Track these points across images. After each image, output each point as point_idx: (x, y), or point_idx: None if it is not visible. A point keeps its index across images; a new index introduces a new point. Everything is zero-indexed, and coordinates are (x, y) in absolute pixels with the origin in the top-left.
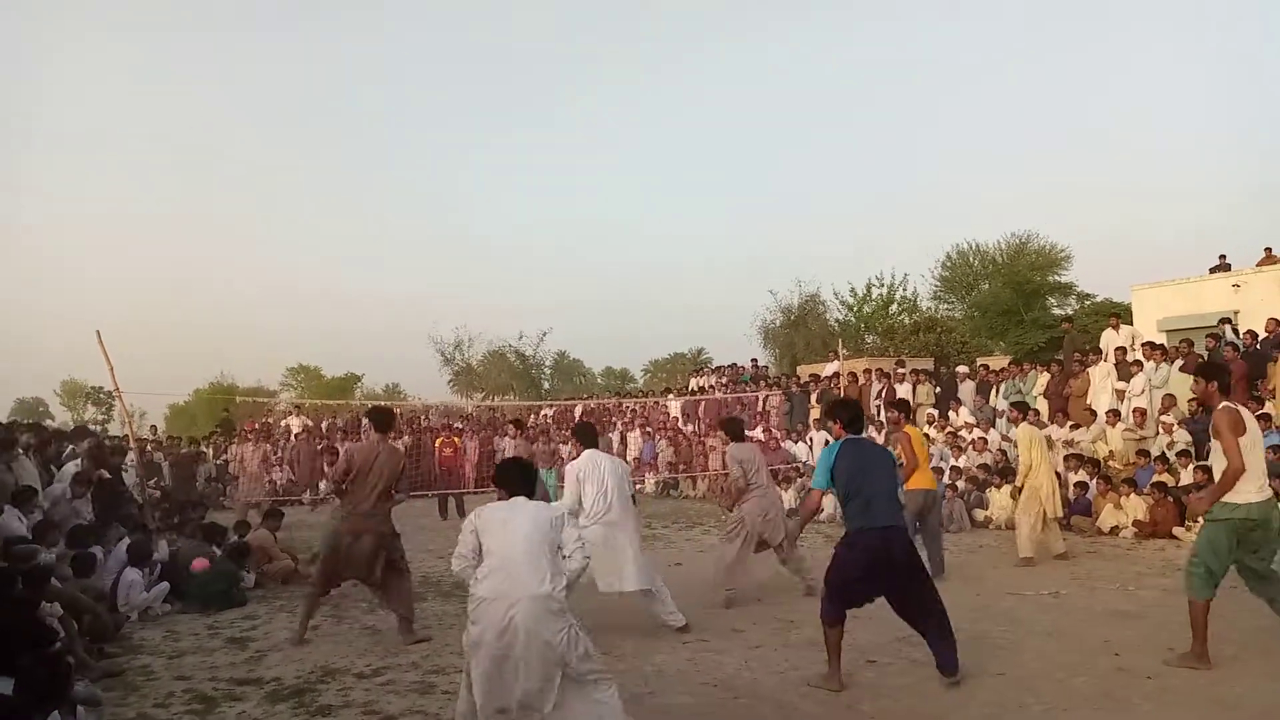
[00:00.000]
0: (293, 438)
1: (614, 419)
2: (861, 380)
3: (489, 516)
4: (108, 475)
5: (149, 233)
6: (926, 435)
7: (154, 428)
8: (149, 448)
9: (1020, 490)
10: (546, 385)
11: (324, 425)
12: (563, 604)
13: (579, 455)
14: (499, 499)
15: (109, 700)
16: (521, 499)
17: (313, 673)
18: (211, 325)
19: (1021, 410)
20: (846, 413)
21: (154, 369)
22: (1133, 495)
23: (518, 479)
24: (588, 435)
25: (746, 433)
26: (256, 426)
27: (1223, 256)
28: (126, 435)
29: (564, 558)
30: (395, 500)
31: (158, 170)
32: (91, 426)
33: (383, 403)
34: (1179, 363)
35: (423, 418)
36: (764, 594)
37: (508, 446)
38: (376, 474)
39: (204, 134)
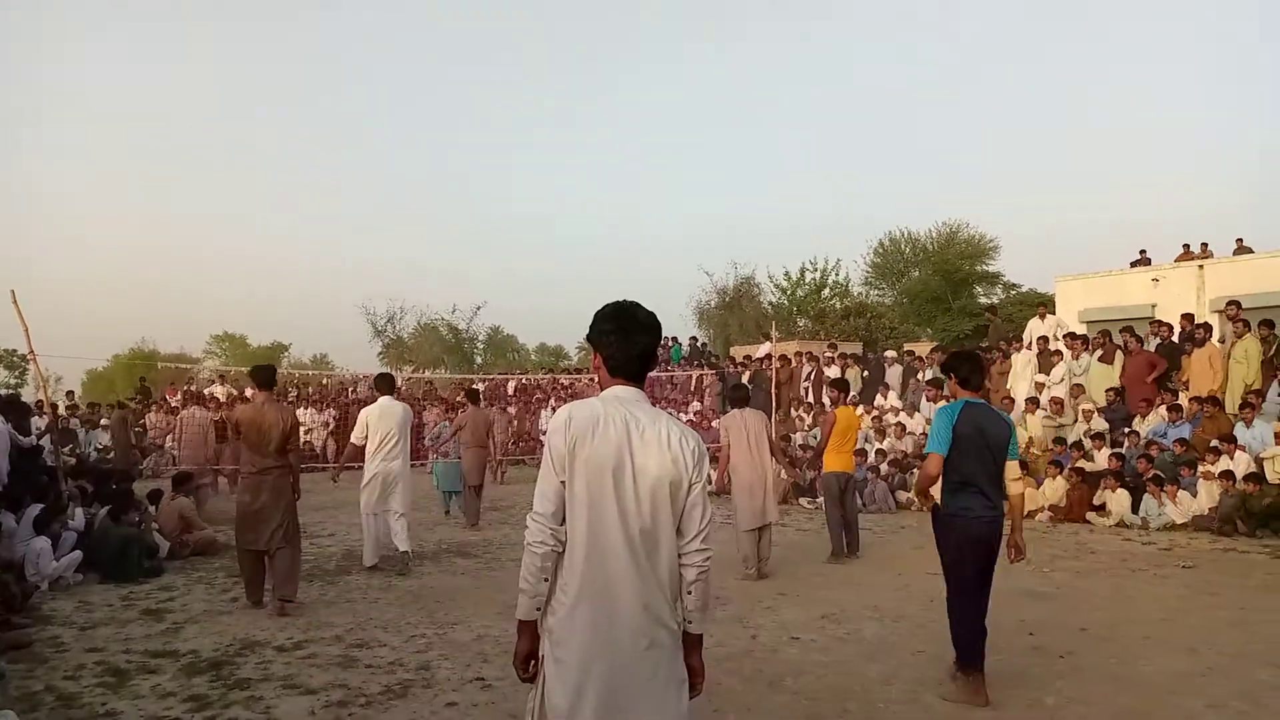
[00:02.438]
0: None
1: (548, 395)
2: (793, 363)
3: None
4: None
5: (72, 191)
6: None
7: (70, 393)
8: (64, 413)
9: None
10: (479, 360)
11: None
12: None
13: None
14: None
15: (14, 674)
16: None
17: (231, 645)
18: (134, 288)
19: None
20: (965, 366)
21: (72, 332)
22: (1055, 478)
23: None
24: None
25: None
26: (181, 392)
27: (1143, 251)
28: (40, 400)
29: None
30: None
31: (85, 124)
32: (2, 390)
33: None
34: (1098, 353)
35: (351, 389)
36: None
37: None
38: (265, 433)
39: (136, 89)
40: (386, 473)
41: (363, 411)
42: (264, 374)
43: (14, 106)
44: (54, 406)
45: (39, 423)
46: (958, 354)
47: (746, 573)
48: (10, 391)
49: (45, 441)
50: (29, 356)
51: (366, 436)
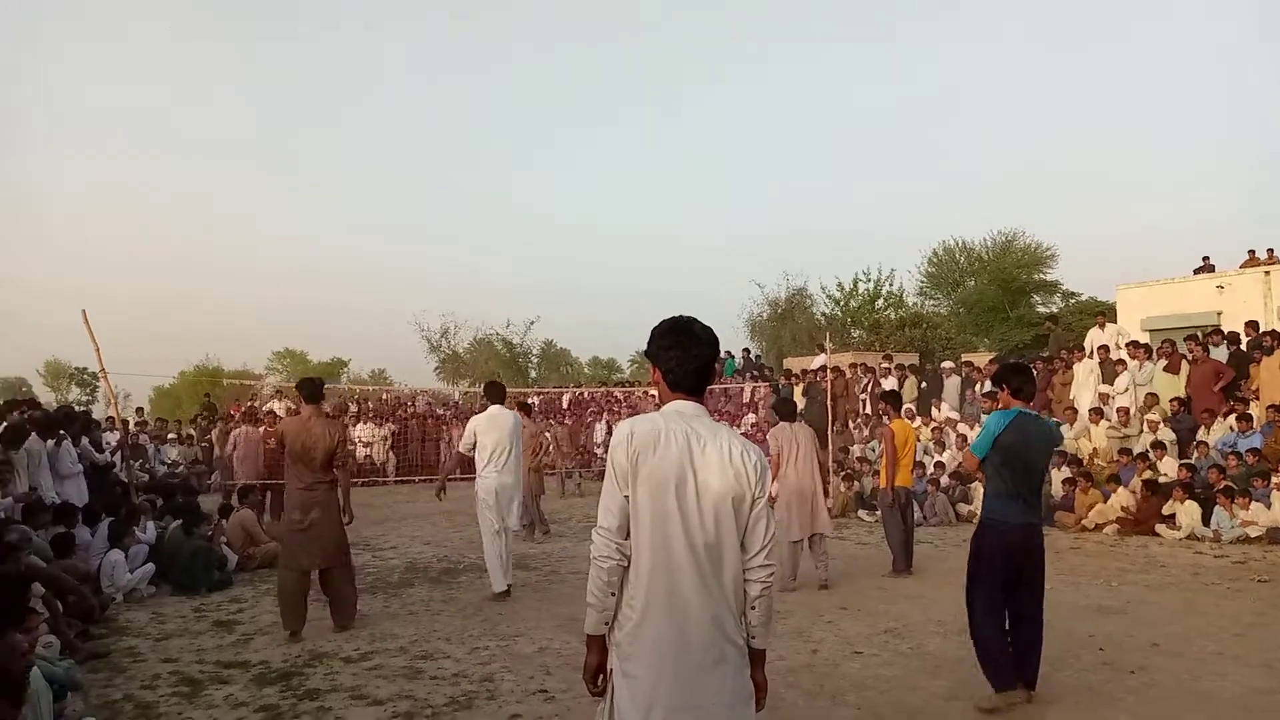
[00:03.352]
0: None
1: (602, 409)
2: (848, 374)
3: None
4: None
5: (141, 211)
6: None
7: (139, 409)
8: (134, 429)
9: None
10: (533, 374)
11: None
12: None
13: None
14: None
15: (95, 682)
16: None
17: (299, 656)
18: (200, 305)
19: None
20: (1017, 378)
21: (141, 350)
22: (1120, 490)
23: None
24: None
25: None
26: (242, 410)
27: (1206, 258)
28: (111, 416)
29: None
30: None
31: (151, 148)
32: (76, 407)
33: (367, 385)
34: (1163, 362)
35: (409, 404)
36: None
37: None
38: (311, 447)
39: (199, 115)
40: (500, 486)
41: (471, 420)
42: (309, 387)
43: (77, 134)
44: (125, 423)
45: (111, 439)
46: (1009, 365)
47: (787, 586)
48: (81, 408)
49: (117, 457)
50: (100, 374)
51: (474, 447)
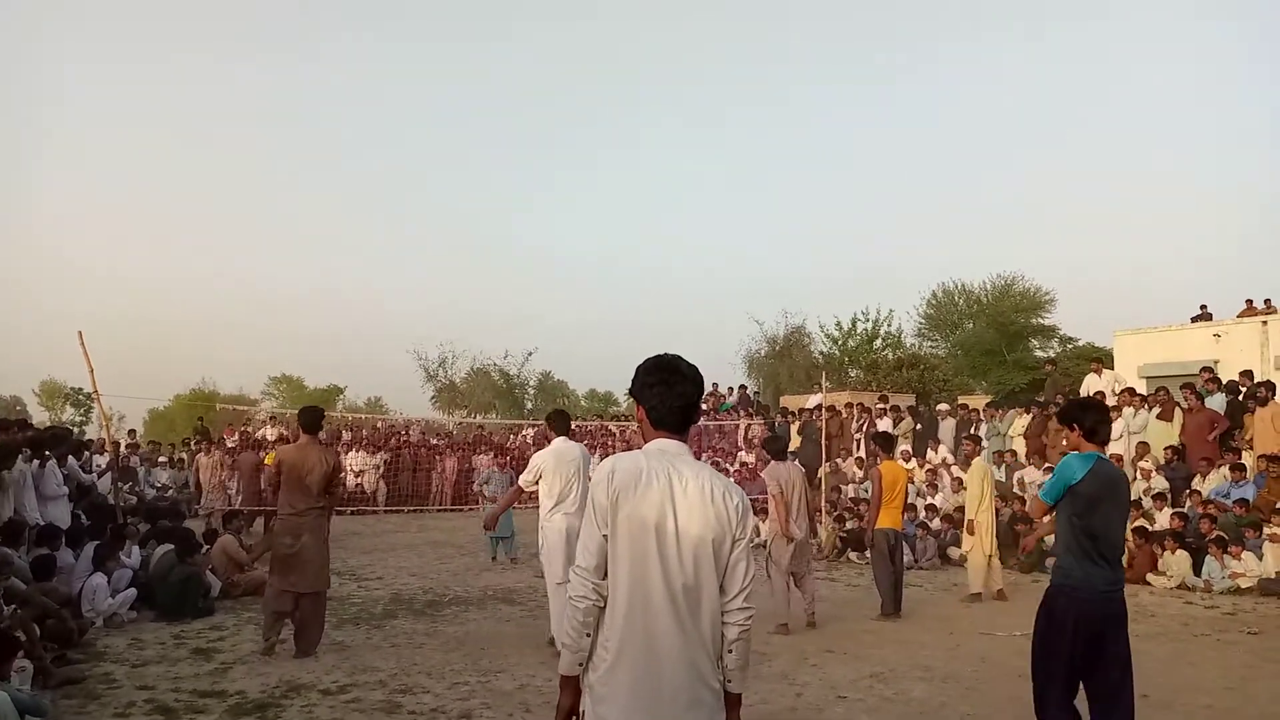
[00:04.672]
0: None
1: (594, 443)
2: (843, 414)
3: None
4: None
5: (138, 232)
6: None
7: (132, 431)
8: (125, 451)
9: (971, 523)
10: (529, 405)
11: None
12: None
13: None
14: None
15: (69, 708)
16: None
17: (277, 687)
18: (198, 329)
19: (976, 443)
20: (1090, 416)
21: (137, 371)
22: None
23: None
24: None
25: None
26: (237, 435)
27: (1204, 306)
28: (103, 438)
29: None
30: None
31: (148, 169)
32: (69, 428)
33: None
34: (1157, 409)
35: (403, 432)
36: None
37: (483, 463)
38: (307, 475)
39: (195, 133)
40: (571, 529)
41: (535, 457)
42: (308, 416)
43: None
44: (115, 445)
45: (100, 460)
46: (1080, 403)
47: (781, 624)
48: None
49: (105, 479)
50: (94, 395)
51: (536, 484)
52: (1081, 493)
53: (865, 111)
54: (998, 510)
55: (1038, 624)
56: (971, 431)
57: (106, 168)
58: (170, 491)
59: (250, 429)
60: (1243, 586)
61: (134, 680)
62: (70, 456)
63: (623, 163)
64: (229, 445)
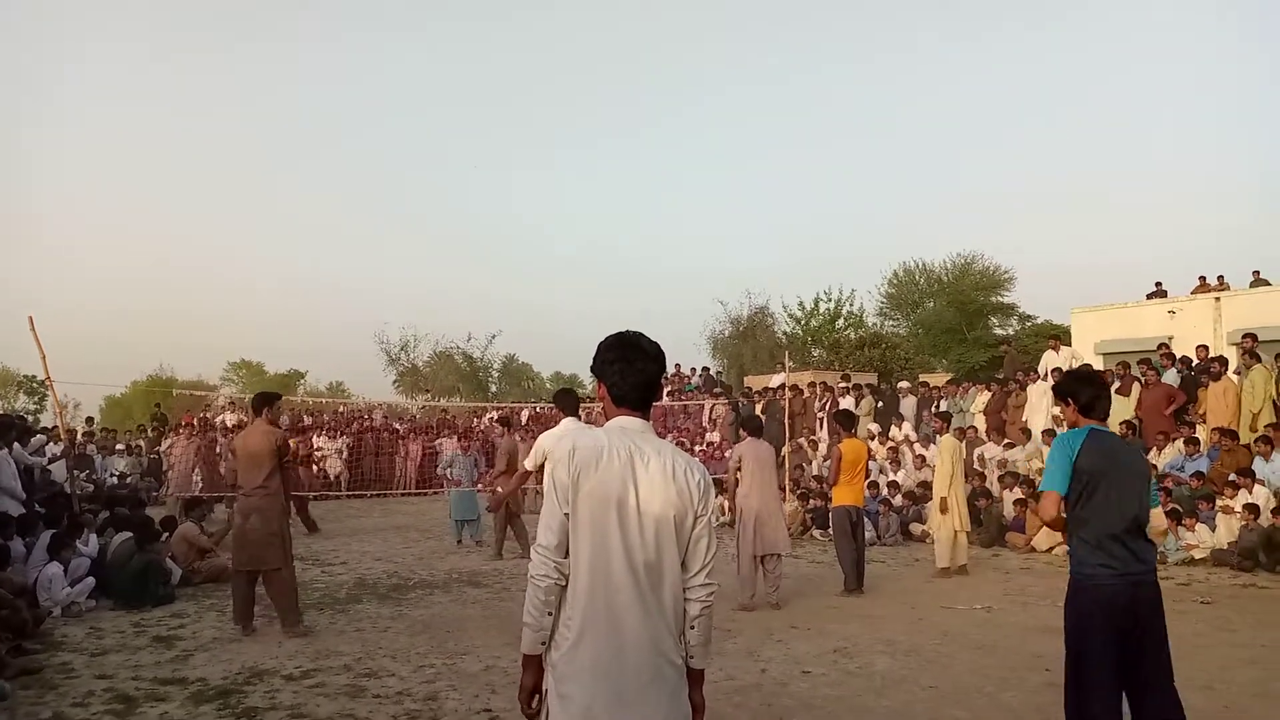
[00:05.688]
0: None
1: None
2: (806, 393)
3: None
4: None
5: (96, 217)
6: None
7: (89, 419)
8: (81, 439)
9: (944, 501)
10: (494, 388)
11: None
12: None
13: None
14: None
15: (24, 700)
16: None
17: (240, 673)
18: (155, 316)
19: (945, 420)
20: (1087, 389)
21: (93, 358)
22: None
23: None
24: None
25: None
26: (193, 421)
27: (1159, 283)
28: (57, 426)
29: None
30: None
31: (109, 154)
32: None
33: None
34: (1115, 385)
35: (365, 417)
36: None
37: (446, 447)
38: (253, 455)
39: (150, 118)
40: None
41: (541, 438)
42: (259, 399)
43: (28, 131)
44: (71, 433)
45: (54, 448)
46: (1076, 374)
47: (744, 602)
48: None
49: (60, 467)
50: (46, 382)
51: (540, 466)
52: (1082, 469)
53: (829, 89)
54: None
55: (1068, 628)
56: (934, 409)
57: (59, 153)
58: (129, 479)
59: (209, 414)
60: (1196, 558)
61: (93, 669)
62: (16, 443)
63: (577, 143)
64: (189, 432)
